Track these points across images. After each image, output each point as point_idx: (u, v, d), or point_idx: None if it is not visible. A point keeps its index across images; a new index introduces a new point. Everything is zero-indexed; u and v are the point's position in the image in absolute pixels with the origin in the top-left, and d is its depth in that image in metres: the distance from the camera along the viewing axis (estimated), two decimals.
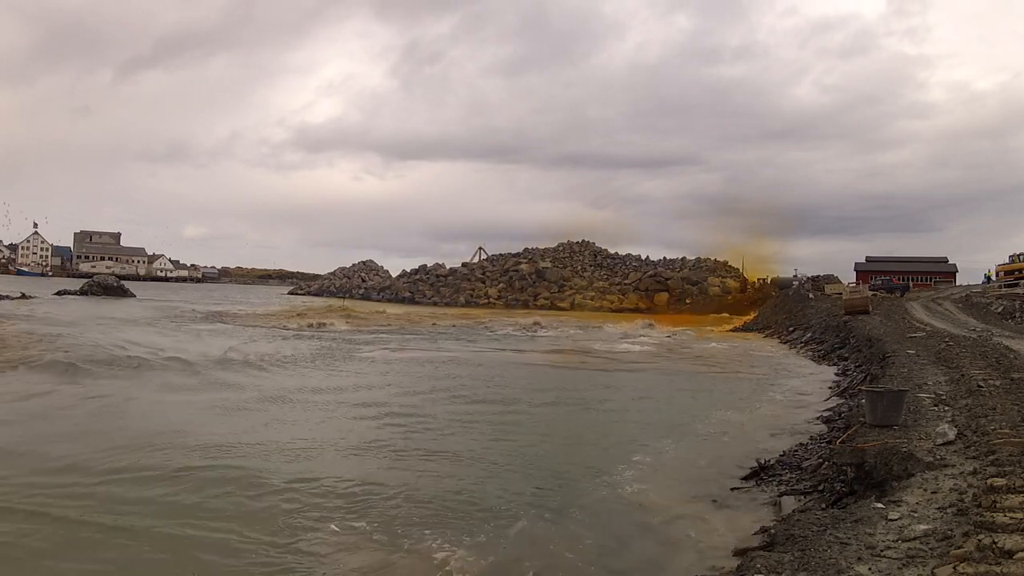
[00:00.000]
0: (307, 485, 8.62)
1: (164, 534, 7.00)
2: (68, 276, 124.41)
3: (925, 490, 6.24)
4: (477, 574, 6.13)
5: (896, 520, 5.60)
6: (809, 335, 33.99)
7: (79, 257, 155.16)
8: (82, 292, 62.69)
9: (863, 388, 10.84)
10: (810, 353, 28.63)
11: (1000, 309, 33.03)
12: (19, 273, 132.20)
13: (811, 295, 49.84)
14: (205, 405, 14.50)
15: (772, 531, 6.36)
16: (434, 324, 47.20)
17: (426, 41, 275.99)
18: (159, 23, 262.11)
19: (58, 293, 61.80)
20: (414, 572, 6.02)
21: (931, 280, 67.59)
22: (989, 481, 5.97)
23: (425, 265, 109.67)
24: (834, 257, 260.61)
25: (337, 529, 7.07)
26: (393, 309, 66.11)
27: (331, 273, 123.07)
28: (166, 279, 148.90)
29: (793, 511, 7.20)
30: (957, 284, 62.15)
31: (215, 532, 7.06)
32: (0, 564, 6.26)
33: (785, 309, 48.81)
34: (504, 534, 7.16)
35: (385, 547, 6.52)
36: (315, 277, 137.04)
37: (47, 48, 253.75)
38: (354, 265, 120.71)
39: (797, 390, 18.51)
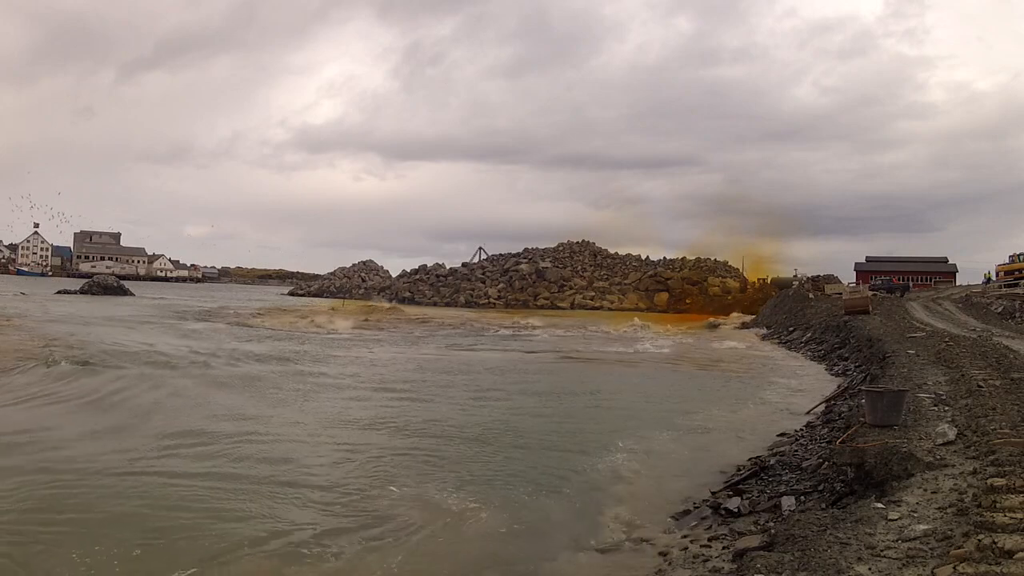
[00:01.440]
0: (355, 458, 10.27)
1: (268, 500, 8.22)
2: (68, 276, 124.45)
3: (925, 490, 6.24)
4: (505, 523, 7.88)
5: (896, 520, 5.60)
6: (809, 335, 33.97)
7: (79, 257, 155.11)
8: (82, 292, 62.83)
9: (863, 388, 10.84)
10: (809, 353, 28.63)
11: (1000, 309, 33.02)
12: (19, 273, 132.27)
13: (811, 295, 49.81)
14: (237, 395, 15.65)
15: (772, 531, 6.36)
16: (432, 324, 47.22)
17: (428, 43, 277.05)
18: (162, 24, 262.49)
19: (58, 293, 61.91)
20: (465, 518, 7.92)
21: (931, 280, 67.60)
22: (989, 481, 5.96)
23: (425, 265, 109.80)
24: (834, 257, 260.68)
25: (395, 489, 8.85)
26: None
27: (331, 273, 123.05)
28: (166, 279, 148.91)
29: (793, 511, 7.20)
30: (957, 284, 62.15)
31: (302, 498, 8.36)
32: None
33: (785, 309, 48.79)
34: (521, 497, 8.82)
35: (435, 503, 8.35)
36: (315, 277, 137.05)
37: (50, 49, 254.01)
38: (354, 265, 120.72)
39: (791, 389, 18.54)
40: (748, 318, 58.16)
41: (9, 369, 17.28)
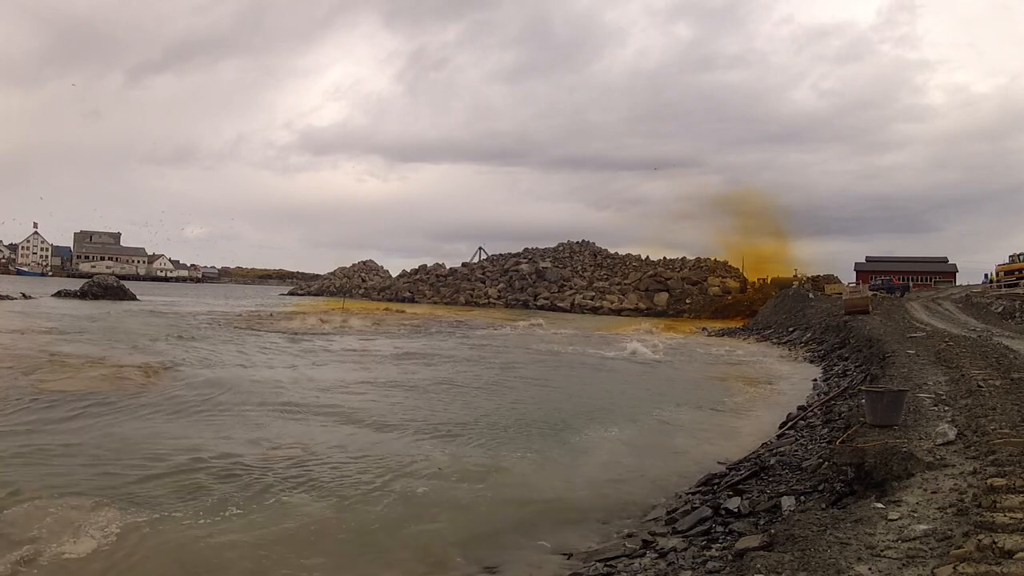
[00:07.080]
0: (413, 427, 13.11)
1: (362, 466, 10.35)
2: (68, 276, 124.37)
3: (925, 490, 6.23)
4: (539, 471, 10.28)
5: (896, 520, 5.59)
6: (809, 335, 33.98)
7: (79, 257, 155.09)
8: (81, 292, 61.70)
9: (863, 388, 10.83)
10: (810, 354, 28.61)
11: (1000, 309, 33.00)
12: (19, 273, 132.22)
13: (811, 295, 49.81)
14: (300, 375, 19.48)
15: (772, 531, 6.35)
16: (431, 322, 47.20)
17: (432, 48, 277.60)
18: (170, 28, 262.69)
19: (56, 294, 61.12)
20: (511, 464, 10.59)
21: (931, 280, 67.61)
22: (989, 481, 5.95)
23: (425, 265, 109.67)
24: (834, 257, 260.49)
25: (452, 445, 11.71)
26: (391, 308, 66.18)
27: (331, 273, 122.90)
28: (166, 279, 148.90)
29: (793, 511, 7.19)
30: (957, 284, 62.14)
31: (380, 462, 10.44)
32: None
33: (785, 309, 48.78)
34: (551, 454, 11.42)
35: (475, 457, 11.05)
36: (315, 277, 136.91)
37: (58, 52, 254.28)
38: (354, 265, 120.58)
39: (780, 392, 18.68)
40: (748, 320, 57.91)
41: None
